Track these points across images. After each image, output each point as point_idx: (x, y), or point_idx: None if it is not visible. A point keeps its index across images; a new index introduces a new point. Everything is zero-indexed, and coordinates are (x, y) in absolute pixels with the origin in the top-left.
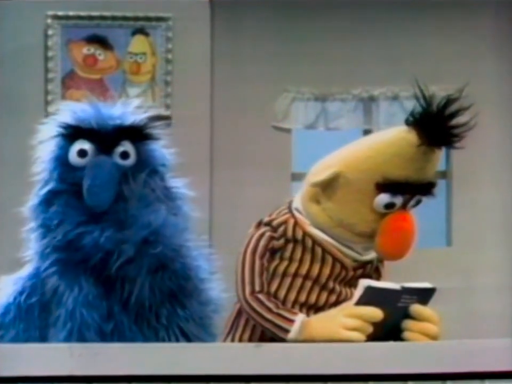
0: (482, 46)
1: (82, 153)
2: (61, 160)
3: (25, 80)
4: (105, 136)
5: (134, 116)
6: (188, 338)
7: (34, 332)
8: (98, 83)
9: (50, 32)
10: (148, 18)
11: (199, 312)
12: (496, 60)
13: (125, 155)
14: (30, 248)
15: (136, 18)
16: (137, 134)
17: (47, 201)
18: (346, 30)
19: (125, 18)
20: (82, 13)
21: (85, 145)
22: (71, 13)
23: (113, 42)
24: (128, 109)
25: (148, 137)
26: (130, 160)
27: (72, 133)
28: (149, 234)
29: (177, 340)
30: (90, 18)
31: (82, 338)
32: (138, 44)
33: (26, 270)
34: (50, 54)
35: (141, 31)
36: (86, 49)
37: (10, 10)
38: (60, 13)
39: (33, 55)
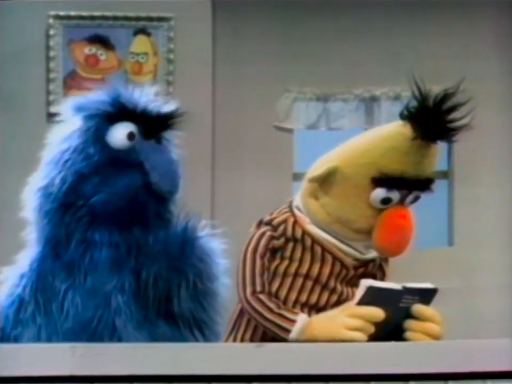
0: (484, 46)
1: (131, 136)
2: (100, 140)
3: (27, 80)
4: (150, 121)
5: (164, 103)
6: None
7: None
8: (100, 83)
9: (52, 32)
10: (150, 19)
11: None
12: (497, 60)
13: (165, 142)
14: (41, 230)
15: (138, 19)
16: (174, 122)
17: (84, 177)
18: (348, 30)
19: (127, 18)
20: (84, 13)
21: (132, 127)
22: (72, 13)
23: (115, 42)
24: (152, 97)
25: (175, 127)
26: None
27: (116, 113)
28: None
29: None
30: (92, 18)
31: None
32: (140, 44)
33: (30, 255)
34: (52, 54)
35: (142, 31)
36: (88, 49)
37: (12, 10)
38: (62, 13)
39: (35, 55)
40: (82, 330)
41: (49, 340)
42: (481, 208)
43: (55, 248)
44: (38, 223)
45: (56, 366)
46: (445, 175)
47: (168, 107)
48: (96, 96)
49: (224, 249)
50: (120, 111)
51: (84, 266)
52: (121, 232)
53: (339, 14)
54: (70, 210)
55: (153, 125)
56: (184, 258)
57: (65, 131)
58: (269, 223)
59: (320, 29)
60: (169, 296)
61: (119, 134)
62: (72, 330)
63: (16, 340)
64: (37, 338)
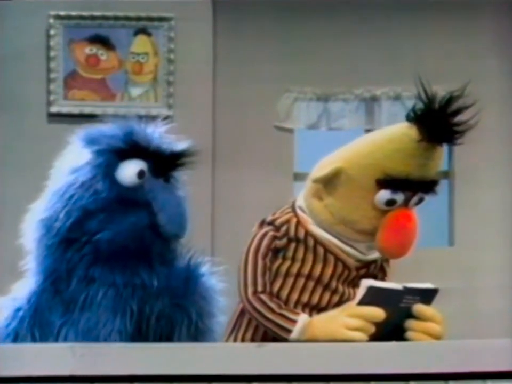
0: (484, 46)
1: (141, 174)
2: (109, 176)
3: (27, 80)
4: (161, 159)
5: (175, 142)
6: None
7: None
8: (101, 83)
9: (52, 32)
10: (150, 18)
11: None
12: (498, 59)
13: (174, 181)
14: (41, 263)
15: (139, 18)
16: (185, 161)
17: (90, 213)
18: (348, 30)
19: (127, 18)
20: (84, 13)
21: (142, 165)
22: (73, 13)
23: (116, 42)
24: (164, 134)
25: (186, 166)
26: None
27: (128, 150)
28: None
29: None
30: (93, 18)
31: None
32: (140, 44)
33: (27, 287)
34: (52, 54)
35: (143, 31)
36: (88, 49)
37: (12, 10)
38: (62, 13)
39: (35, 55)
40: None
41: None
42: (482, 208)
43: (55, 283)
44: (38, 255)
45: (56, 366)
46: (446, 175)
47: (179, 146)
48: (109, 130)
49: (222, 288)
50: (132, 148)
51: (83, 304)
52: (124, 272)
53: (339, 14)
54: (73, 246)
55: (164, 164)
56: (188, 295)
57: (73, 162)
58: (271, 223)
59: (320, 29)
60: (169, 334)
61: (129, 172)
62: None
63: None
64: None
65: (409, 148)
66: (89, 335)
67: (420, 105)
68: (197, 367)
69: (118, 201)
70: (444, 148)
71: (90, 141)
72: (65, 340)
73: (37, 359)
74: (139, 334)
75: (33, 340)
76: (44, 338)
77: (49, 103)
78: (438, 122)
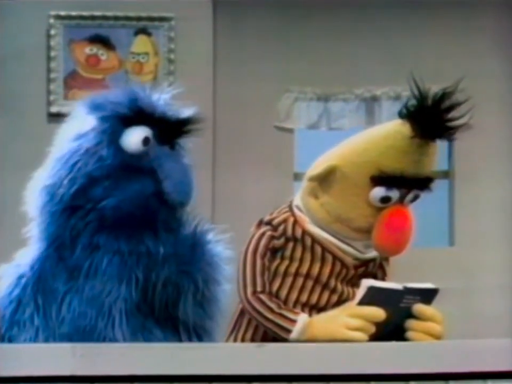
0: (484, 46)
1: (146, 140)
2: (114, 143)
3: (27, 80)
4: (167, 126)
5: (181, 108)
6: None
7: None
8: (101, 83)
9: (52, 32)
10: (150, 18)
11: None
12: (498, 59)
13: (179, 148)
14: (44, 229)
15: (139, 18)
16: (191, 128)
17: (95, 180)
18: (349, 30)
19: (128, 18)
20: (84, 13)
21: (148, 132)
22: (73, 13)
23: (116, 42)
24: (170, 100)
25: (192, 133)
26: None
27: (133, 116)
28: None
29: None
30: (93, 18)
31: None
32: (140, 43)
33: (30, 254)
34: (52, 54)
35: (143, 31)
36: (89, 49)
37: (12, 10)
38: (62, 13)
39: (35, 55)
40: (77, 337)
41: (45, 342)
42: (482, 208)
43: (59, 249)
44: (42, 221)
45: (57, 366)
46: (446, 174)
47: (186, 112)
48: (114, 96)
49: (228, 255)
50: (137, 114)
51: (87, 271)
52: (129, 239)
53: (339, 14)
54: (77, 213)
55: (170, 131)
56: (194, 262)
57: (77, 129)
58: (269, 223)
59: (320, 29)
60: (175, 301)
61: (135, 138)
62: (67, 336)
63: (11, 341)
64: (34, 341)
65: (403, 144)
66: (94, 303)
67: (413, 102)
68: (197, 367)
69: (123, 168)
70: (443, 147)
71: (95, 107)
72: (69, 307)
73: (37, 359)
74: (144, 302)
75: (36, 307)
76: (47, 305)
77: (49, 103)
78: (430, 119)
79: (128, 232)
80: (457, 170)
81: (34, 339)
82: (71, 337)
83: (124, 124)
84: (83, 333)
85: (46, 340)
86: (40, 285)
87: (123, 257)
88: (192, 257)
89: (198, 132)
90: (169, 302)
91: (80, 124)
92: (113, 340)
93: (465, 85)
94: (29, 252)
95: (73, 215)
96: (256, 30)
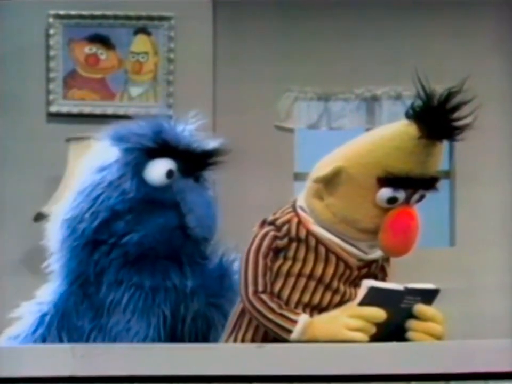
0: (485, 45)
1: (170, 173)
2: (137, 175)
3: (26, 80)
4: (191, 158)
5: (206, 140)
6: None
7: None
8: (100, 82)
9: (52, 31)
10: (150, 18)
11: None
12: (499, 59)
13: (203, 181)
14: (65, 265)
15: (138, 18)
16: (216, 161)
17: (118, 214)
18: (349, 30)
19: (127, 17)
20: (84, 12)
21: (172, 164)
22: (73, 12)
23: (115, 41)
24: (194, 132)
25: (217, 166)
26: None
27: (158, 149)
28: None
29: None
30: (92, 17)
31: None
32: (140, 43)
33: (52, 291)
34: (52, 53)
35: (143, 30)
36: (88, 49)
37: (11, 9)
38: (62, 12)
39: (34, 54)
40: None
41: None
42: (483, 208)
43: (83, 286)
44: (62, 256)
45: (57, 366)
46: (447, 174)
47: (210, 144)
48: (138, 128)
49: None
50: (162, 146)
51: (113, 308)
52: (153, 274)
53: (339, 14)
54: (100, 248)
55: (195, 163)
56: (223, 293)
57: (100, 161)
58: (272, 223)
59: (321, 29)
60: (205, 334)
61: (158, 171)
62: None
63: None
64: None
65: (409, 145)
66: (120, 341)
67: (419, 103)
68: (197, 367)
69: (146, 201)
70: (445, 146)
71: (119, 139)
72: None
73: (37, 360)
74: (173, 338)
75: (61, 343)
76: (72, 343)
77: (48, 103)
78: (437, 119)
79: (152, 268)
80: (458, 170)
81: None
82: None
83: (148, 156)
84: None
85: None
86: (65, 323)
87: (148, 294)
88: (220, 288)
89: (223, 164)
90: (199, 336)
91: (103, 155)
92: None
93: (466, 85)
94: (50, 289)
95: (96, 250)
96: (256, 30)
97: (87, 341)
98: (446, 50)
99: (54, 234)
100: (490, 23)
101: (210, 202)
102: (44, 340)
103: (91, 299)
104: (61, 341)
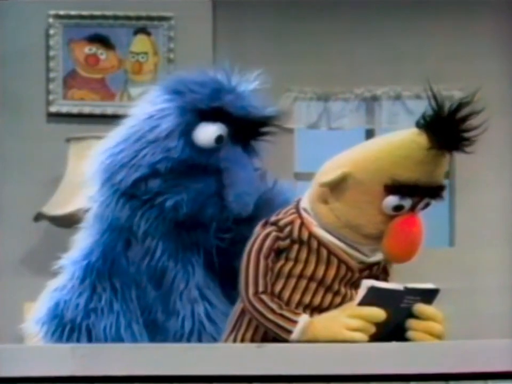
0: (484, 46)
1: (220, 139)
2: (186, 136)
3: (26, 80)
4: (245, 126)
5: (263, 106)
6: None
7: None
8: (100, 83)
9: (52, 31)
10: (150, 18)
11: None
12: (499, 60)
13: (251, 150)
14: (103, 212)
15: (138, 18)
16: (269, 129)
17: (158, 173)
18: (349, 30)
19: (127, 17)
20: (84, 13)
21: (223, 130)
22: (72, 13)
23: (115, 41)
24: (253, 92)
25: (270, 135)
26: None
27: (212, 113)
28: None
29: None
30: (92, 17)
31: None
32: (140, 43)
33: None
34: (51, 53)
35: (142, 30)
36: (88, 49)
37: (11, 9)
38: (62, 13)
39: (34, 54)
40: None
41: (129, 327)
42: (482, 208)
43: (123, 233)
44: (100, 202)
45: (57, 366)
46: (447, 175)
47: (267, 111)
48: (196, 83)
49: None
50: (217, 111)
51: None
52: (186, 236)
53: (340, 13)
54: (133, 202)
55: (247, 130)
56: None
57: (152, 108)
58: (275, 223)
59: (321, 29)
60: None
61: (209, 135)
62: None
63: (90, 330)
64: (115, 327)
65: (419, 155)
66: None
67: (430, 112)
68: (197, 367)
69: (189, 164)
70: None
71: (175, 93)
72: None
73: (37, 360)
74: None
75: (113, 291)
76: (126, 289)
77: (48, 103)
78: (448, 129)
79: (184, 231)
80: (457, 171)
81: (116, 325)
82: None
83: (200, 117)
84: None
85: (129, 325)
86: (115, 269)
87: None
88: None
89: (275, 134)
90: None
91: (156, 103)
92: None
93: (465, 85)
94: (87, 238)
95: (129, 203)
96: (255, 30)
97: (137, 286)
98: (446, 51)
99: (92, 175)
100: (490, 23)
101: (253, 178)
102: (93, 288)
103: (131, 245)
104: (113, 287)
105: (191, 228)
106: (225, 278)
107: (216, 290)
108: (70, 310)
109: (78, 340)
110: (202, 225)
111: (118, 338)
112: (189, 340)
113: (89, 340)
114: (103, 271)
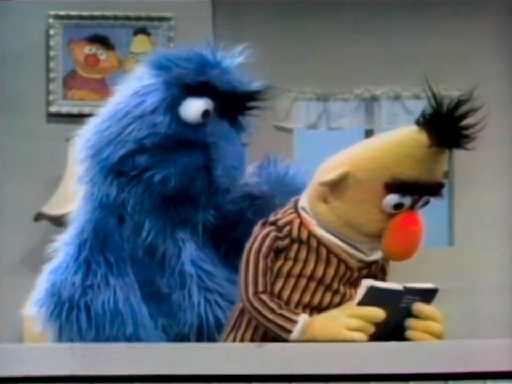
0: (484, 46)
1: (206, 113)
2: (172, 110)
3: (26, 80)
4: (231, 100)
5: (249, 80)
6: None
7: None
8: (100, 83)
9: (52, 32)
10: (150, 18)
11: None
12: (498, 60)
13: (238, 125)
14: (91, 188)
15: (138, 18)
16: (256, 103)
17: (145, 148)
18: (348, 30)
19: (127, 18)
20: (84, 13)
21: (209, 105)
22: (72, 13)
23: (115, 42)
24: (238, 67)
25: (257, 109)
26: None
27: (198, 87)
28: None
29: None
30: (92, 18)
31: None
32: (140, 43)
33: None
34: (51, 53)
35: (142, 30)
36: (88, 49)
37: (11, 10)
38: (62, 13)
39: (34, 55)
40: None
41: (127, 301)
42: (482, 208)
43: (114, 209)
44: (88, 180)
45: (57, 366)
46: (446, 175)
47: (253, 85)
48: (181, 58)
49: None
50: (203, 85)
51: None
52: (175, 211)
53: (339, 14)
54: (120, 178)
55: (234, 105)
56: None
57: (138, 85)
58: (274, 223)
59: (321, 29)
60: None
61: (195, 110)
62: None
63: (89, 306)
64: (113, 302)
65: (419, 153)
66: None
67: (429, 110)
68: (197, 367)
69: (176, 139)
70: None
71: (160, 68)
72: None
73: (37, 360)
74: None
75: (108, 266)
76: (121, 263)
77: (48, 103)
78: (447, 127)
79: (172, 207)
80: (457, 170)
81: (114, 299)
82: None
83: (186, 92)
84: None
85: (127, 299)
86: (108, 243)
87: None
88: None
89: (262, 109)
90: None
91: (142, 79)
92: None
93: (464, 85)
94: (79, 219)
95: (117, 180)
96: (255, 30)
97: (134, 261)
98: (445, 51)
99: (79, 154)
100: (490, 23)
101: (240, 152)
102: (88, 265)
103: (125, 221)
104: (107, 262)
105: (179, 204)
106: (227, 249)
107: (214, 261)
108: (67, 288)
109: (78, 318)
110: (191, 200)
111: (117, 312)
112: (192, 312)
113: (88, 316)
114: (96, 246)
